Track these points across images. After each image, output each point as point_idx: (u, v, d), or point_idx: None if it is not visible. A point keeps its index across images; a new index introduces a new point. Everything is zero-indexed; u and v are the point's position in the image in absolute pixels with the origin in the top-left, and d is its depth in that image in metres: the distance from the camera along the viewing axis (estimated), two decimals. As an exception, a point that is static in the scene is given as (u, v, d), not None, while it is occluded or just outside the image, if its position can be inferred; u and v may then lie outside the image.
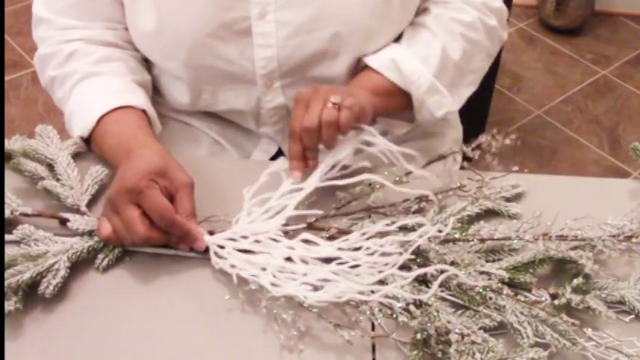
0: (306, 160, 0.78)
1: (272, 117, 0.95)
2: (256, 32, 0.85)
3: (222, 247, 0.73)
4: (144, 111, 0.85)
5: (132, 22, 0.88)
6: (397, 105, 0.89)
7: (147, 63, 0.95)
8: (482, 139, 0.77)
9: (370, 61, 0.87)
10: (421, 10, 0.93)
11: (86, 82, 0.86)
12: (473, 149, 0.77)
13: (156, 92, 0.97)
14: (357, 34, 0.86)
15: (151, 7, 0.84)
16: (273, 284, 0.68)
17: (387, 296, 0.67)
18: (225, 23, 0.84)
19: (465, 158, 0.80)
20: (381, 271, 0.69)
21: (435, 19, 0.91)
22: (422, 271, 0.68)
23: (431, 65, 0.88)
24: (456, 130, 1.09)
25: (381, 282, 0.69)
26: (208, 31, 0.84)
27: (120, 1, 0.87)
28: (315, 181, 0.76)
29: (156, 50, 0.89)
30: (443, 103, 0.89)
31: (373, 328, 0.68)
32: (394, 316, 0.66)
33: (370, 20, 0.86)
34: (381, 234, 0.72)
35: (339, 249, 0.71)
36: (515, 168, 0.82)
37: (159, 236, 0.72)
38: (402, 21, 0.90)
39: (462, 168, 0.80)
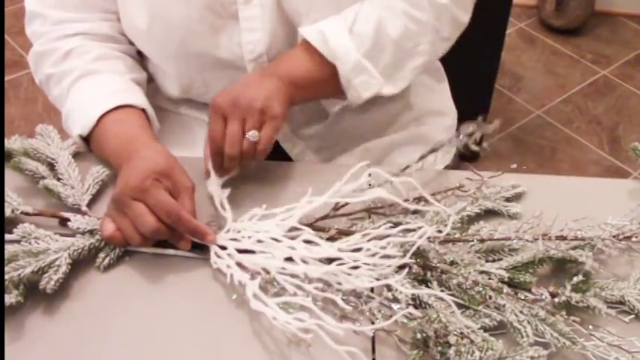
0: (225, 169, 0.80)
1: None
2: (242, 16, 0.85)
3: (224, 247, 0.73)
4: (143, 110, 0.85)
5: (125, 21, 0.88)
6: (324, 88, 0.86)
7: (140, 56, 0.95)
8: (469, 129, 0.76)
9: (303, 31, 0.83)
10: None
11: (85, 80, 0.86)
12: (468, 135, 0.76)
13: (151, 81, 0.96)
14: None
15: (143, 3, 0.84)
16: (255, 295, 0.68)
17: (386, 298, 0.67)
18: (214, 8, 0.84)
19: (466, 158, 0.79)
20: (378, 279, 0.68)
21: None
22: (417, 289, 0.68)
23: (363, 42, 0.83)
24: (450, 117, 1.08)
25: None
26: (198, 18, 0.84)
27: None
28: (325, 197, 0.75)
29: (149, 44, 0.89)
30: (370, 84, 0.84)
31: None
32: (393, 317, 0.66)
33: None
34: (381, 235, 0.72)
35: (340, 250, 0.71)
36: (514, 166, 0.82)
37: (167, 230, 0.71)
38: None
39: (462, 161, 0.79)
